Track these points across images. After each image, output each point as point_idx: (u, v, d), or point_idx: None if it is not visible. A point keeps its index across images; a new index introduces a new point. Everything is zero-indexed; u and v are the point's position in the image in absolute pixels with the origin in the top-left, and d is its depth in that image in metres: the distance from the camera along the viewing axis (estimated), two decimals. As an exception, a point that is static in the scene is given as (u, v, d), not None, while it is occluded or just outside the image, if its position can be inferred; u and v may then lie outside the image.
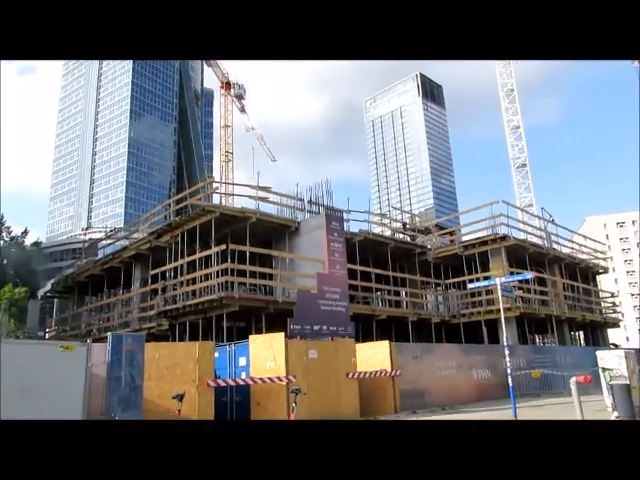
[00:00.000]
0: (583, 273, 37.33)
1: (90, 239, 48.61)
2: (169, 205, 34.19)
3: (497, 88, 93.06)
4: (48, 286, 42.32)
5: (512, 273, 25.06)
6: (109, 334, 11.11)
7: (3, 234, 51.62)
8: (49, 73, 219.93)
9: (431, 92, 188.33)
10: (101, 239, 40.43)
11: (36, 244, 61.03)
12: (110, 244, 36.88)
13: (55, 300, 38.31)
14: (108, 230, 53.62)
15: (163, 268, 23.44)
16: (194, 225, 22.27)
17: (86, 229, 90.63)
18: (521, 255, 29.94)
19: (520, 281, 25.56)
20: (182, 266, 22.32)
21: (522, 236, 32.11)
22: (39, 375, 8.47)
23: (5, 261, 49.82)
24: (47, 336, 35.78)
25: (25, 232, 55.36)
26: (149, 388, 11.51)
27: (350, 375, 15.18)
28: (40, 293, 45.22)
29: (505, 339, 13.27)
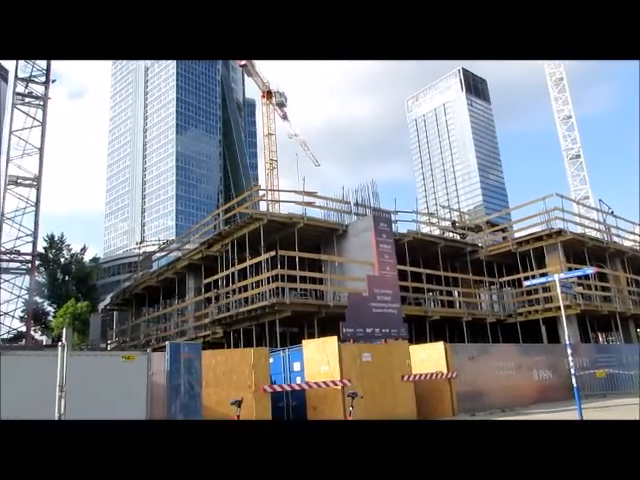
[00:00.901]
0: (648, 266, 35.48)
1: (144, 252, 50.25)
2: (218, 215, 34.90)
3: (545, 78, 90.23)
4: (107, 299, 43.95)
5: (570, 269, 24.10)
6: (167, 343, 11.39)
7: (64, 252, 53.89)
8: (98, 95, 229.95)
9: (475, 87, 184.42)
10: (155, 252, 41.66)
11: (94, 260, 63.45)
12: (164, 256, 37.99)
13: (114, 313, 39.80)
14: (161, 243, 55.24)
15: (215, 277, 23.89)
16: (243, 233, 22.62)
17: (140, 243, 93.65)
18: (579, 250, 28.76)
19: (580, 277, 24.53)
20: (233, 274, 22.68)
21: (579, 230, 30.87)
22: (103, 384, 8.78)
23: (67, 277, 52.07)
24: (109, 347, 37.16)
25: (84, 249, 57.60)
26: (207, 395, 11.72)
27: (405, 378, 14.96)
28: (100, 307, 47.00)
29: (567, 338, 12.75)
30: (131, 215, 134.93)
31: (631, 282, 32.38)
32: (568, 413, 13.66)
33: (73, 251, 54.72)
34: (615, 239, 33.15)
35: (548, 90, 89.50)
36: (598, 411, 14.89)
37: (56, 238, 53.12)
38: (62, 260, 53.04)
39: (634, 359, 22.97)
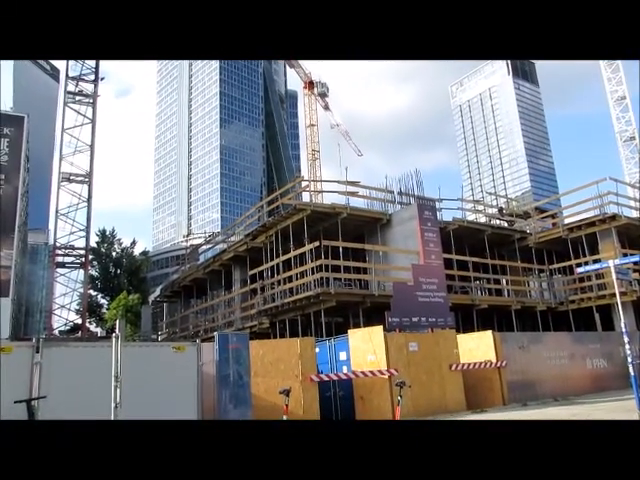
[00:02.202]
0: None
1: (191, 245, 51.44)
2: (262, 207, 35.36)
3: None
4: (157, 292, 45.33)
5: (625, 255, 23.15)
6: (216, 334, 11.63)
7: (115, 246, 55.86)
8: (144, 92, 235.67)
9: (522, 70, 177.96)
10: (201, 244, 42.57)
11: (144, 253, 65.45)
12: (210, 248, 38.79)
13: (164, 304, 40.97)
14: (207, 235, 56.38)
15: (260, 268, 24.22)
16: (287, 224, 22.79)
17: (187, 236, 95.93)
18: (634, 235, 27.59)
19: (636, 263, 23.53)
20: (278, 265, 22.93)
21: (634, 214, 29.54)
22: (156, 375, 9.05)
23: (119, 271, 53.95)
24: (159, 338, 38.34)
25: (134, 243, 59.50)
26: (256, 384, 11.93)
27: (453, 367, 14.79)
28: (151, 299, 48.50)
29: (622, 325, 12.25)
30: (178, 208, 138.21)
31: (693, 267, 30.80)
32: (625, 402, 13.22)
33: (124, 245, 56.70)
34: (674, 223, 31.57)
35: (600, 71, 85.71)
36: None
37: (107, 233, 55.16)
38: (114, 254, 55.00)
39: (696, 348, 21.93)
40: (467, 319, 24.78)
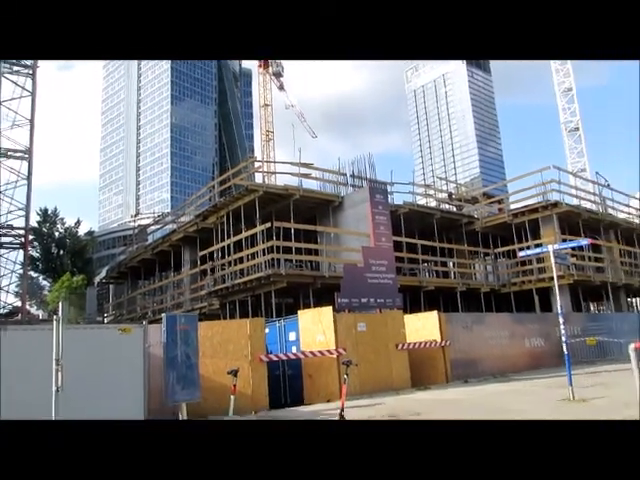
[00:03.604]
0: (641, 238, 35.76)
1: (139, 225, 50.10)
2: (213, 187, 34.79)
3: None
4: (103, 273, 44.14)
5: (565, 240, 24.26)
6: (163, 315, 11.46)
7: (58, 226, 53.60)
8: (89, 66, 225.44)
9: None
10: (150, 225, 41.63)
11: (89, 233, 63.08)
12: (159, 229, 37.99)
13: (110, 286, 39.96)
14: (156, 215, 55.10)
15: (211, 249, 23.96)
16: (238, 205, 22.58)
17: (135, 216, 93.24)
18: (574, 222, 28.93)
19: (574, 248, 24.71)
20: (229, 246, 22.74)
21: (575, 202, 30.94)
22: (100, 357, 8.85)
23: (62, 251, 51.91)
24: (105, 320, 37.43)
25: (78, 222, 57.15)
26: (204, 365, 11.85)
27: (400, 346, 15.19)
28: (96, 280, 47.12)
29: (559, 307, 12.91)
30: (125, 188, 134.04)
31: (624, 253, 32.69)
32: (559, 379, 13.98)
33: (67, 225, 54.49)
34: (610, 211, 33.31)
35: (549, 62, 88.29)
36: (587, 376, 15.22)
37: (49, 212, 52.85)
38: (56, 234, 52.79)
39: (623, 327, 23.36)
40: (415, 300, 25.41)
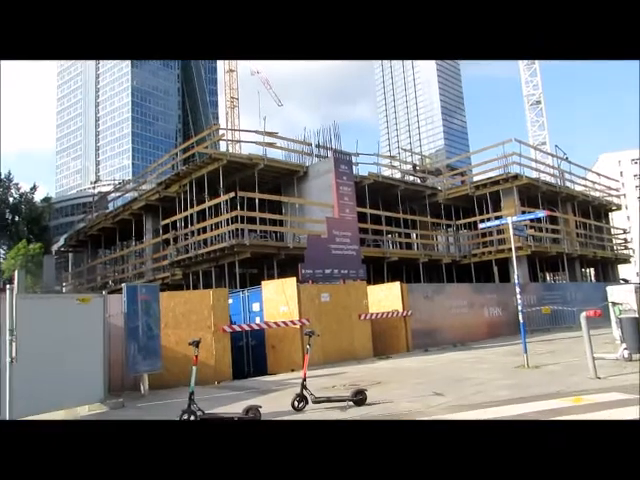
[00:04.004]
0: (596, 211, 37.03)
1: (99, 192, 48.75)
2: (176, 154, 34.06)
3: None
4: (61, 241, 42.87)
5: (524, 212, 24.86)
6: (124, 285, 11.28)
7: (12, 191, 51.65)
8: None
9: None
10: (110, 192, 40.50)
11: (46, 200, 61.06)
12: (120, 196, 37.00)
13: (69, 254, 38.90)
14: (117, 182, 53.62)
15: (173, 218, 23.57)
16: (202, 174, 22.18)
17: (95, 182, 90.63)
18: (533, 194, 29.64)
19: (532, 220, 25.38)
20: (192, 215, 22.40)
21: (535, 175, 31.65)
22: (58, 327, 8.63)
23: (17, 218, 50.14)
24: (64, 290, 36.58)
25: (34, 188, 55.20)
26: (166, 336, 11.80)
27: (362, 317, 15.42)
28: (54, 248, 45.81)
29: (516, 277, 13.29)
30: (84, 153, 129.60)
31: (579, 225, 33.85)
32: (514, 347, 14.54)
33: (22, 190, 52.53)
34: (567, 184, 34.26)
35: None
36: (542, 344, 15.89)
37: (2, 176, 50.81)
38: (10, 200, 50.92)
39: (577, 296, 24.38)
40: (378, 271, 25.76)
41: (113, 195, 38.69)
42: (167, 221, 23.91)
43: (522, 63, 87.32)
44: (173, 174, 24.78)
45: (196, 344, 7.49)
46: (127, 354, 10.67)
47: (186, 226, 23.03)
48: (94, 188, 69.71)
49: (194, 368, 7.40)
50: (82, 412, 9.09)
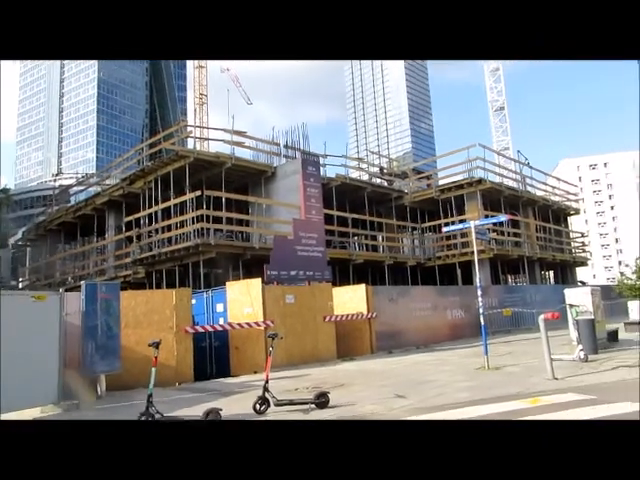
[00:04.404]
0: (555, 215, 38.10)
1: (61, 185, 47.33)
2: (142, 150, 33.36)
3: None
4: (19, 234, 41.45)
5: (487, 216, 25.39)
6: (83, 283, 10.98)
7: (-32, 181, 49.73)
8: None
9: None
10: (73, 185, 39.36)
11: (4, 191, 58.77)
12: (82, 190, 36.09)
13: (27, 249, 37.66)
14: (79, 176, 52.17)
15: (137, 215, 23.11)
16: (168, 171, 21.81)
17: (56, 175, 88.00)
18: (496, 198, 30.29)
19: (494, 224, 25.93)
20: (157, 213, 22.01)
21: (498, 179, 32.36)
22: (10, 325, 8.32)
23: (-28, 209, 48.36)
24: (20, 285, 35.40)
25: (-9, 178, 53.31)
26: (126, 336, 11.54)
27: (327, 318, 15.43)
28: (11, 242, 44.27)
29: (478, 280, 13.54)
30: (46, 144, 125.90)
31: (540, 228, 34.77)
32: (475, 348, 14.80)
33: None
34: (529, 189, 35.16)
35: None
36: (502, 345, 16.23)
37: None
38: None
39: (537, 298, 25.03)
40: (344, 273, 25.85)
41: (75, 189, 37.66)
42: (131, 218, 23.43)
43: (487, 69, 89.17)
44: (138, 170, 24.31)
45: (156, 345, 7.34)
46: (84, 353, 10.38)
47: (150, 224, 22.61)
48: (55, 181, 67.70)
49: (153, 370, 7.25)
50: (34, 414, 8.80)
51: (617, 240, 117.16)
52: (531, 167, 36.61)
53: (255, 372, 12.91)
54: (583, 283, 41.45)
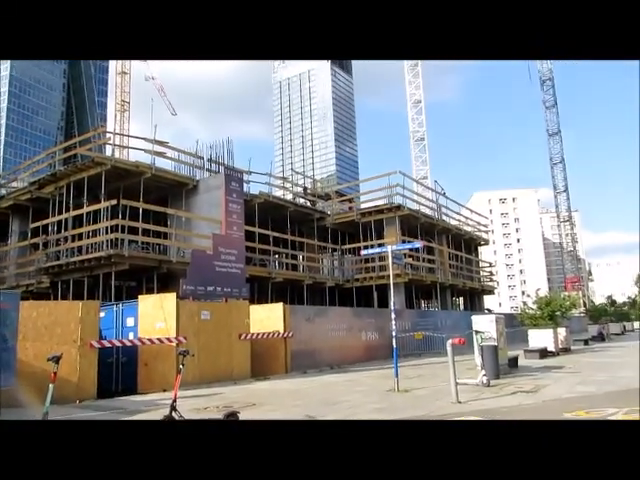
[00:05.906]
0: (467, 244, 40.21)
1: (-40, 186, 43.67)
2: (55, 153, 31.60)
3: (403, 61, 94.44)
4: None
5: (404, 241, 26.33)
6: (-23, 291, 10.13)
7: None
8: None
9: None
10: (-27, 186, 36.44)
11: None
12: (-17, 192, 33.47)
13: None
14: (-18, 177, 48.41)
15: (45, 221, 21.81)
16: (82, 177, 20.80)
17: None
18: (413, 225, 31.49)
19: (410, 249, 26.91)
20: (67, 220, 20.86)
21: (416, 207, 33.70)
22: None
23: None
24: None
25: None
26: (24, 349, 10.77)
27: (242, 336, 15.20)
28: None
29: (392, 304, 13.91)
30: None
31: (452, 256, 36.49)
32: (387, 370, 15.12)
33: None
34: (444, 217, 36.91)
35: (404, 73, 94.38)
36: (413, 368, 16.72)
37: None
38: None
39: (447, 323, 26.11)
40: (263, 291, 25.67)
41: (-24, 190, 34.89)
42: (38, 224, 22.04)
43: (409, 101, 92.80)
44: (49, 174, 22.97)
45: (56, 360, 6.86)
46: (-26, 368, 9.53)
47: (59, 231, 21.36)
48: (-46, 181, 62.40)
49: (51, 386, 6.77)
50: None
51: (522, 271, 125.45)
52: (447, 197, 38.58)
53: (164, 390, 12.41)
54: (489, 310, 43.77)
